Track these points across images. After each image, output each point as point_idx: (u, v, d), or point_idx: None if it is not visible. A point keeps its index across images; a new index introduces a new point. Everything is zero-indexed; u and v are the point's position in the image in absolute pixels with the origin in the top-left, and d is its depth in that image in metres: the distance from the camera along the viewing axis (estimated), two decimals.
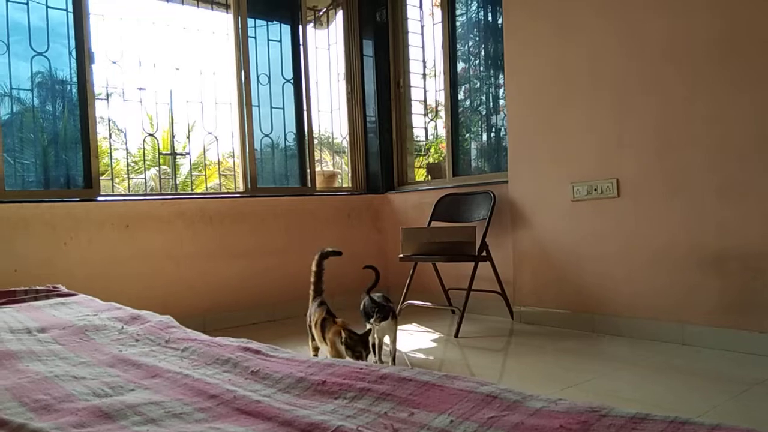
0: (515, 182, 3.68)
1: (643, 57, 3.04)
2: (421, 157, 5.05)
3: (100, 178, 3.80)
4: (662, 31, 2.97)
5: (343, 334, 2.26)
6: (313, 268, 2.83)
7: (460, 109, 4.52)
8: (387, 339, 2.72)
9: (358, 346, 2.23)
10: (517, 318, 3.69)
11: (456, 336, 3.34)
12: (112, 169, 4.18)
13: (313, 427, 0.89)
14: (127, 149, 4.28)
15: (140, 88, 4.14)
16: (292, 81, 4.64)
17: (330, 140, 5.36)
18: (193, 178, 5.21)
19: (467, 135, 4.58)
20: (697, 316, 2.87)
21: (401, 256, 3.62)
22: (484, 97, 4.43)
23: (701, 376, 2.46)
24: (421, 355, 3.04)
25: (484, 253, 3.56)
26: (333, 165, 5.26)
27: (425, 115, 4.93)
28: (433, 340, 3.35)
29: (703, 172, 2.84)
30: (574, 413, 0.83)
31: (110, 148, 4.06)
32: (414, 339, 3.37)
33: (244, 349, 1.32)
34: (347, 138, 4.90)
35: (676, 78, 2.93)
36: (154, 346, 1.44)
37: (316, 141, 4.88)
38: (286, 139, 4.68)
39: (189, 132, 5.17)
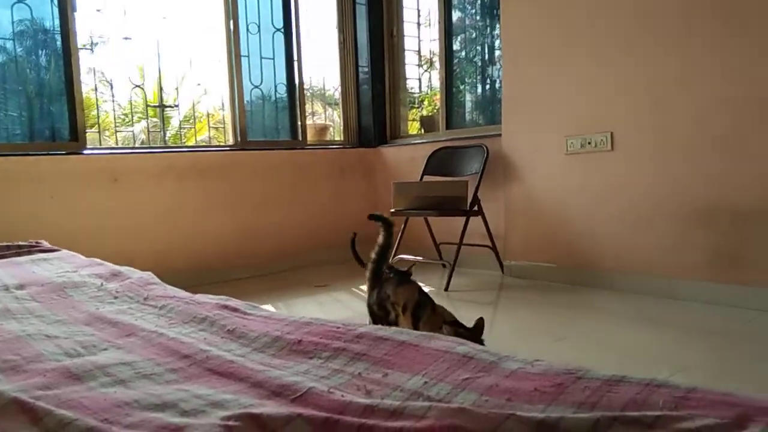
0: (509, 135, 3.62)
1: (643, 9, 2.95)
2: (414, 110, 4.96)
3: (88, 131, 3.73)
4: None
5: (446, 330, 1.58)
6: (381, 240, 2.06)
7: (456, 60, 4.41)
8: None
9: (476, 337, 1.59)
10: (507, 272, 3.69)
11: (446, 289, 3.35)
12: (99, 121, 4.11)
13: (284, 388, 0.88)
14: (113, 101, 4.18)
15: (126, 38, 4.02)
16: (282, 30, 4.51)
17: (322, 92, 5.26)
18: (184, 131, 5.12)
19: (462, 87, 4.49)
20: (685, 270, 2.87)
21: (393, 210, 3.60)
22: (479, 48, 4.33)
23: (687, 329, 2.47)
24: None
25: (475, 208, 3.53)
26: (325, 117, 5.17)
27: (419, 65, 4.82)
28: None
29: (695, 127, 2.79)
30: (550, 375, 0.82)
31: (96, 100, 3.98)
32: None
33: (222, 307, 1.30)
34: (339, 90, 4.80)
35: (673, 32, 2.84)
36: (133, 304, 1.42)
37: (308, 93, 4.79)
38: (276, 90, 4.59)
39: (178, 84, 5.07)
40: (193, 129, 5.20)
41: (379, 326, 1.13)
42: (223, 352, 1.05)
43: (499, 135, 3.67)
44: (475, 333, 1.60)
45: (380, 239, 2.06)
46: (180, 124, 5.02)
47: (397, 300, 1.82)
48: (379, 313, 1.86)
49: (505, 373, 0.85)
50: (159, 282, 1.60)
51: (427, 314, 1.74)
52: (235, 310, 1.28)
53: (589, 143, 3.19)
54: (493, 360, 0.89)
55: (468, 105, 4.47)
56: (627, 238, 3.09)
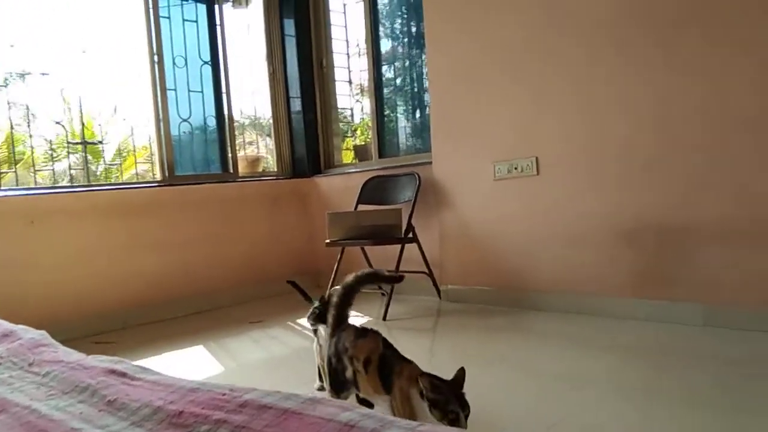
0: (439, 162, 3.67)
1: (566, 35, 3.06)
2: (348, 139, 4.97)
3: (6, 171, 3.54)
4: (588, 7, 2.98)
5: (422, 383, 1.37)
6: (341, 291, 1.77)
7: (390, 89, 4.45)
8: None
9: (451, 401, 1.36)
10: (444, 297, 3.70)
11: (384, 319, 3.32)
12: (14, 158, 3.89)
13: None
14: (30, 136, 3.99)
15: (44, 73, 3.87)
16: (210, 63, 4.45)
17: (254, 123, 5.20)
18: (115, 167, 4.97)
19: (393, 115, 4.53)
20: (614, 289, 2.95)
21: (328, 241, 3.56)
22: (410, 76, 4.39)
23: (617, 346, 2.53)
24: None
25: (410, 235, 3.54)
26: (260, 148, 5.10)
27: (351, 95, 4.84)
28: (362, 325, 3.31)
29: (619, 149, 2.90)
30: None
31: (11, 136, 3.77)
32: None
33: (109, 372, 1.24)
34: (271, 121, 4.76)
35: (594, 58, 2.96)
36: (15, 371, 1.33)
37: (240, 123, 4.73)
38: (206, 123, 4.50)
39: (105, 119, 4.92)
40: (123, 165, 5.03)
41: (267, 392, 1.07)
42: (95, 429, 1.00)
43: (430, 163, 3.71)
44: (453, 386, 1.39)
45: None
46: (111, 160, 4.86)
47: (356, 354, 1.55)
48: (337, 366, 1.60)
49: None
50: (51, 343, 1.51)
51: (398, 368, 1.48)
52: (122, 375, 1.22)
53: (516, 168, 3.26)
54: (375, 428, 0.85)
55: (400, 133, 4.51)
56: (557, 259, 3.16)
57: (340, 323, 1.70)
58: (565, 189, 3.10)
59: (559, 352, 2.53)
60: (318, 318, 1.99)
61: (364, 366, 1.52)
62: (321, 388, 2.09)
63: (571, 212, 3.09)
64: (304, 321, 2.59)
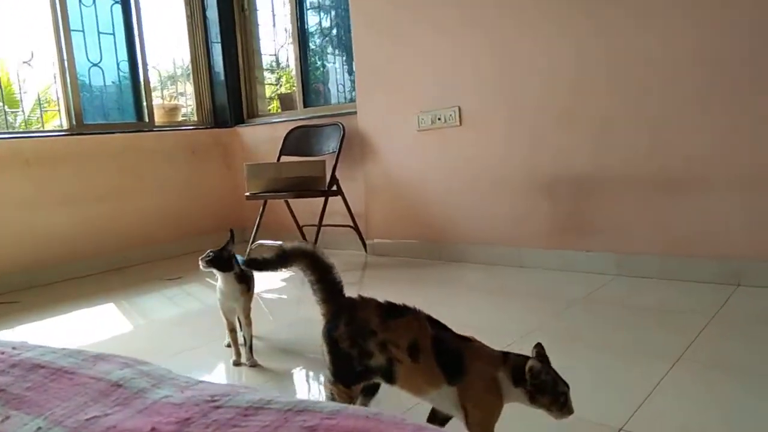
0: (364, 113, 3.57)
1: None
2: (274, 87, 4.77)
3: None
4: None
5: (533, 367, 1.09)
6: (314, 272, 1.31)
7: (317, 36, 4.27)
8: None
9: (559, 382, 1.11)
10: (370, 250, 3.66)
11: None
12: None
13: None
14: None
15: None
16: (120, 2, 4.13)
17: (173, 69, 4.91)
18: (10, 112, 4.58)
19: (320, 63, 4.37)
20: (532, 240, 2.98)
21: (248, 194, 3.43)
22: (336, 24, 4.21)
23: (533, 296, 2.56)
24: (274, 296, 2.93)
25: (334, 188, 3.45)
26: (179, 97, 4.83)
27: (276, 41, 4.63)
28: (284, 279, 3.24)
29: (538, 100, 2.88)
30: (187, 406, 0.74)
31: None
32: (265, 280, 3.23)
33: None
34: (190, 67, 4.49)
35: (514, 11, 2.89)
36: None
37: (156, 70, 4.45)
38: (119, 68, 4.21)
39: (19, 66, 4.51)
40: (45, 117, 4.65)
41: (52, 349, 0.93)
42: None
43: (356, 113, 3.61)
44: (548, 364, 1.13)
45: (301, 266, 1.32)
46: (30, 111, 4.48)
47: (393, 338, 1.19)
48: (351, 352, 1.21)
49: (140, 407, 0.75)
50: None
51: (468, 351, 1.18)
52: None
53: (439, 119, 3.21)
54: (143, 387, 0.78)
55: (327, 82, 4.36)
56: (479, 211, 3.16)
57: (337, 294, 1.31)
58: (486, 140, 3.07)
59: (478, 303, 2.54)
60: (211, 262, 1.83)
61: (410, 354, 1.17)
62: (236, 363, 1.92)
63: (491, 163, 3.07)
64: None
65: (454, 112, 3.14)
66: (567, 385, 1.11)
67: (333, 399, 1.23)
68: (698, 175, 2.48)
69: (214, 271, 1.85)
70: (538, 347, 1.17)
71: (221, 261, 1.82)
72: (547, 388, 1.09)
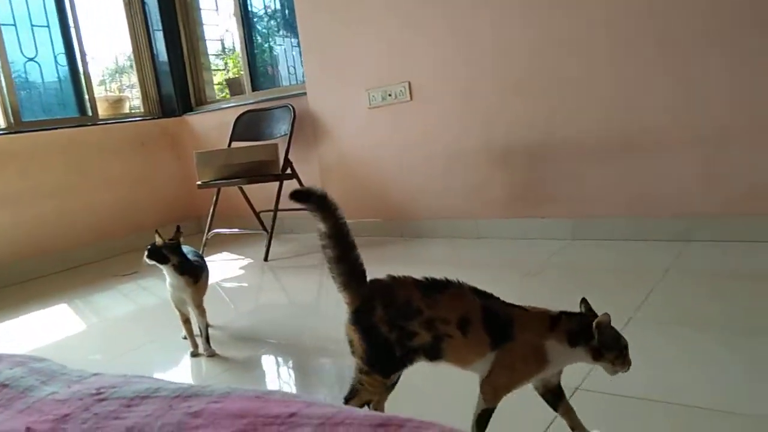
0: (313, 93, 3.51)
1: None
2: (221, 73, 4.66)
3: None
4: None
5: (601, 322, 1.09)
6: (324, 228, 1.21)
7: (262, 19, 4.17)
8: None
9: (620, 335, 1.12)
10: None
11: (266, 259, 3.21)
12: None
13: None
14: None
15: None
16: None
17: (118, 61, 4.74)
18: None
19: (266, 45, 4.27)
20: (488, 210, 2.99)
21: (199, 183, 3.34)
22: (281, 3, 4.12)
23: (492, 266, 2.58)
24: (234, 284, 2.88)
25: (288, 171, 3.40)
26: (126, 89, 4.67)
27: (220, 25, 4.50)
28: (242, 267, 3.19)
29: (490, 72, 2.87)
30: (74, 399, 0.71)
31: None
32: (223, 269, 3.18)
33: None
34: (132, 57, 4.34)
35: None
36: None
37: (97, 63, 4.29)
38: (56, 62, 4.04)
39: None
40: None
41: None
42: None
43: (306, 94, 3.54)
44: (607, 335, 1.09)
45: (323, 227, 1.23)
46: None
47: (443, 315, 1.13)
48: (390, 337, 1.13)
49: (21, 407, 0.72)
50: None
51: (518, 313, 1.16)
52: None
53: (390, 95, 3.17)
54: (30, 386, 0.75)
55: (276, 64, 4.27)
56: (436, 185, 3.15)
57: (361, 277, 1.20)
58: (439, 114, 3.06)
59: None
60: (149, 255, 1.77)
61: (460, 328, 1.12)
62: (194, 354, 1.89)
63: (445, 137, 3.06)
64: None
65: (404, 88, 3.11)
66: (626, 340, 1.11)
67: (361, 393, 1.16)
68: (650, 137, 2.52)
69: (156, 263, 1.80)
70: (585, 302, 1.18)
71: (157, 254, 1.77)
72: (612, 343, 1.09)
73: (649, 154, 2.52)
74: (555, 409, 1.17)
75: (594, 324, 1.09)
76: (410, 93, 3.11)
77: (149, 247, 1.79)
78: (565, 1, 2.60)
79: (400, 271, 2.72)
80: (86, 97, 4.00)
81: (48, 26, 3.98)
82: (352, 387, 1.17)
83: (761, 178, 2.27)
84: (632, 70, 2.50)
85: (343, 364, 1.74)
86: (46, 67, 3.99)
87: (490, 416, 1.13)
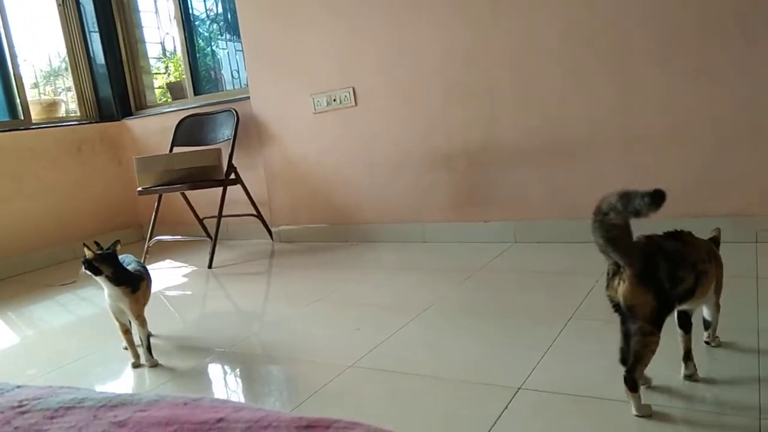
0: (257, 97, 3.48)
1: None
2: (162, 76, 4.55)
3: None
4: None
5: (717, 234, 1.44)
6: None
7: (204, 22, 4.10)
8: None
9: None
10: (276, 238, 3.60)
11: (210, 267, 3.16)
12: None
13: None
14: None
15: None
16: None
17: (53, 63, 4.57)
18: None
19: (208, 49, 4.21)
20: (434, 214, 3.04)
21: (140, 189, 3.26)
22: (223, 6, 4.06)
23: (435, 269, 2.62)
24: (178, 292, 2.82)
25: (232, 176, 3.36)
26: (62, 92, 4.50)
27: (160, 28, 4.40)
28: (186, 275, 3.13)
29: (432, 77, 2.91)
30: None
31: None
32: (166, 277, 3.11)
33: None
34: (67, 59, 4.20)
35: None
36: None
37: (29, 65, 4.12)
38: None
39: None
40: None
41: None
42: None
43: (249, 98, 3.51)
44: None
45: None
46: None
47: (702, 255, 1.30)
48: (669, 287, 1.21)
49: None
50: None
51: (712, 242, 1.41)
52: None
53: (335, 100, 3.18)
54: None
55: (220, 68, 4.21)
56: (382, 190, 3.18)
57: (631, 238, 1.21)
58: (383, 119, 3.09)
59: (383, 281, 2.56)
60: (87, 267, 1.73)
61: (710, 261, 1.31)
62: (135, 365, 1.85)
63: (390, 142, 3.09)
64: None
65: (349, 93, 3.13)
66: None
67: (646, 356, 1.21)
68: (586, 141, 2.61)
69: (91, 275, 1.75)
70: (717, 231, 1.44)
71: (89, 266, 1.73)
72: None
73: (585, 158, 2.61)
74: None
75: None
76: (355, 98, 3.12)
77: (83, 259, 1.75)
78: (505, 7, 2.67)
79: (344, 276, 2.74)
80: (18, 100, 3.83)
81: None
82: (635, 355, 1.20)
83: (686, 182, 2.40)
84: (566, 79, 2.60)
85: (290, 371, 1.74)
86: None
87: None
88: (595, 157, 2.59)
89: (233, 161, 3.37)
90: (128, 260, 1.88)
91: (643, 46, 2.42)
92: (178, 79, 4.31)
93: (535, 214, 2.77)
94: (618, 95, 2.51)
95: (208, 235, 3.68)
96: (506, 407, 1.33)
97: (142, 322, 1.84)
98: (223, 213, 3.32)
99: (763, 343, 1.50)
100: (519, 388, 1.41)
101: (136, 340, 1.88)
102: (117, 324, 1.85)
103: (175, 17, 3.97)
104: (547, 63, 2.63)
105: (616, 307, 1.24)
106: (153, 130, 4.06)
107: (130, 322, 1.86)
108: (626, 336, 1.23)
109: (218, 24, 4.15)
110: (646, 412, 1.21)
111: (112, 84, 4.15)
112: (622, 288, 1.20)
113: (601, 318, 1.81)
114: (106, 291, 1.79)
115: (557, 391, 1.38)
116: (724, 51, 2.29)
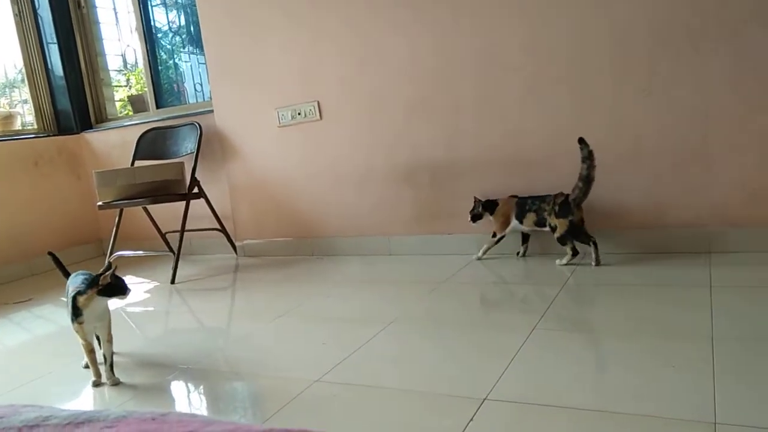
0: (220, 111, 3.46)
1: None
2: (123, 89, 4.49)
3: None
4: None
5: None
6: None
7: (167, 32, 4.05)
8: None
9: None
10: (241, 252, 3.57)
11: (173, 282, 3.11)
12: None
13: None
14: None
15: None
16: None
17: (9, 75, 4.45)
18: None
19: (171, 62, 4.17)
20: (398, 228, 3.06)
21: (100, 203, 3.20)
22: (186, 18, 4.04)
23: (400, 282, 2.64)
24: (139, 309, 2.76)
25: (195, 190, 3.32)
26: (18, 105, 4.39)
27: (121, 40, 4.34)
28: (148, 291, 3.07)
29: (396, 92, 2.95)
30: None
31: None
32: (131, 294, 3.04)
33: None
34: (24, 71, 4.10)
35: (372, 5, 2.92)
36: None
37: None
38: None
39: None
40: None
41: None
42: None
43: (212, 111, 3.49)
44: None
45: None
46: None
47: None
48: None
49: None
50: None
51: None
52: None
53: (299, 114, 3.19)
54: None
55: (183, 81, 4.17)
56: (347, 203, 3.19)
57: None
58: (348, 133, 3.11)
59: (348, 294, 2.56)
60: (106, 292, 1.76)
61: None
62: (96, 384, 1.81)
63: (354, 156, 3.11)
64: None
65: (314, 107, 3.14)
66: None
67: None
68: (543, 153, 2.67)
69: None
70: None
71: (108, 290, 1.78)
72: None
73: (543, 170, 2.68)
74: None
75: None
76: (320, 112, 3.14)
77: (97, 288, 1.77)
78: (467, 25, 2.73)
79: (309, 290, 2.73)
80: None
81: None
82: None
83: (640, 194, 2.48)
84: (529, 92, 2.66)
85: (255, 387, 1.72)
86: None
87: None
88: (554, 168, 2.66)
89: (196, 175, 3.33)
90: (80, 278, 1.83)
91: (599, 61, 2.51)
92: (140, 92, 4.26)
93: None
94: (574, 108, 2.59)
95: (171, 250, 3.62)
96: (472, 419, 1.34)
97: (111, 338, 1.81)
98: (186, 227, 3.28)
99: (716, 350, 1.55)
100: (484, 399, 1.43)
101: (99, 357, 1.84)
102: (83, 343, 1.80)
103: (136, 29, 3.93)
104: (514, 79, 2.69)
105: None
106: (114, 144, 4.00)
107: (98, 340, 1.82)
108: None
109: (181, 36, 4.11)
110: None
111: (71, 96, 4.07)
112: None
113: (565, 328, 1.86)
114: (89, 308, 1.75)
115: (522, 401, 1.40)
116: (676, 67, 2.38)
